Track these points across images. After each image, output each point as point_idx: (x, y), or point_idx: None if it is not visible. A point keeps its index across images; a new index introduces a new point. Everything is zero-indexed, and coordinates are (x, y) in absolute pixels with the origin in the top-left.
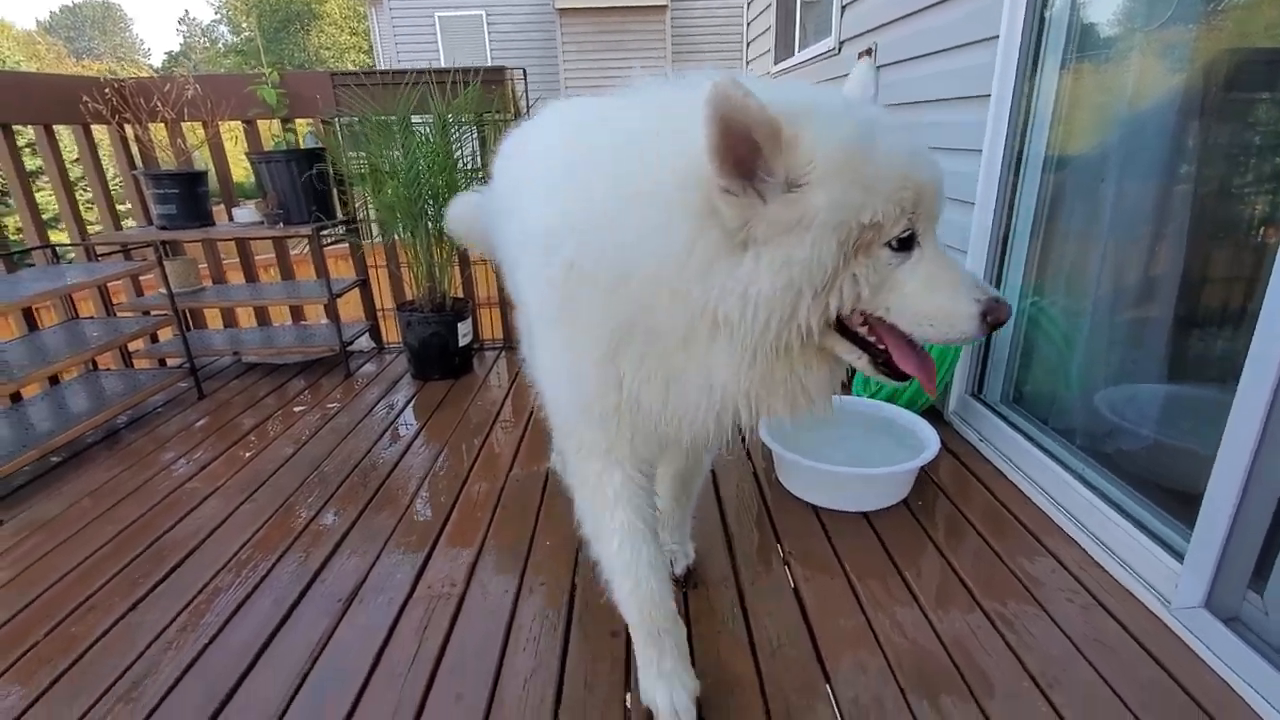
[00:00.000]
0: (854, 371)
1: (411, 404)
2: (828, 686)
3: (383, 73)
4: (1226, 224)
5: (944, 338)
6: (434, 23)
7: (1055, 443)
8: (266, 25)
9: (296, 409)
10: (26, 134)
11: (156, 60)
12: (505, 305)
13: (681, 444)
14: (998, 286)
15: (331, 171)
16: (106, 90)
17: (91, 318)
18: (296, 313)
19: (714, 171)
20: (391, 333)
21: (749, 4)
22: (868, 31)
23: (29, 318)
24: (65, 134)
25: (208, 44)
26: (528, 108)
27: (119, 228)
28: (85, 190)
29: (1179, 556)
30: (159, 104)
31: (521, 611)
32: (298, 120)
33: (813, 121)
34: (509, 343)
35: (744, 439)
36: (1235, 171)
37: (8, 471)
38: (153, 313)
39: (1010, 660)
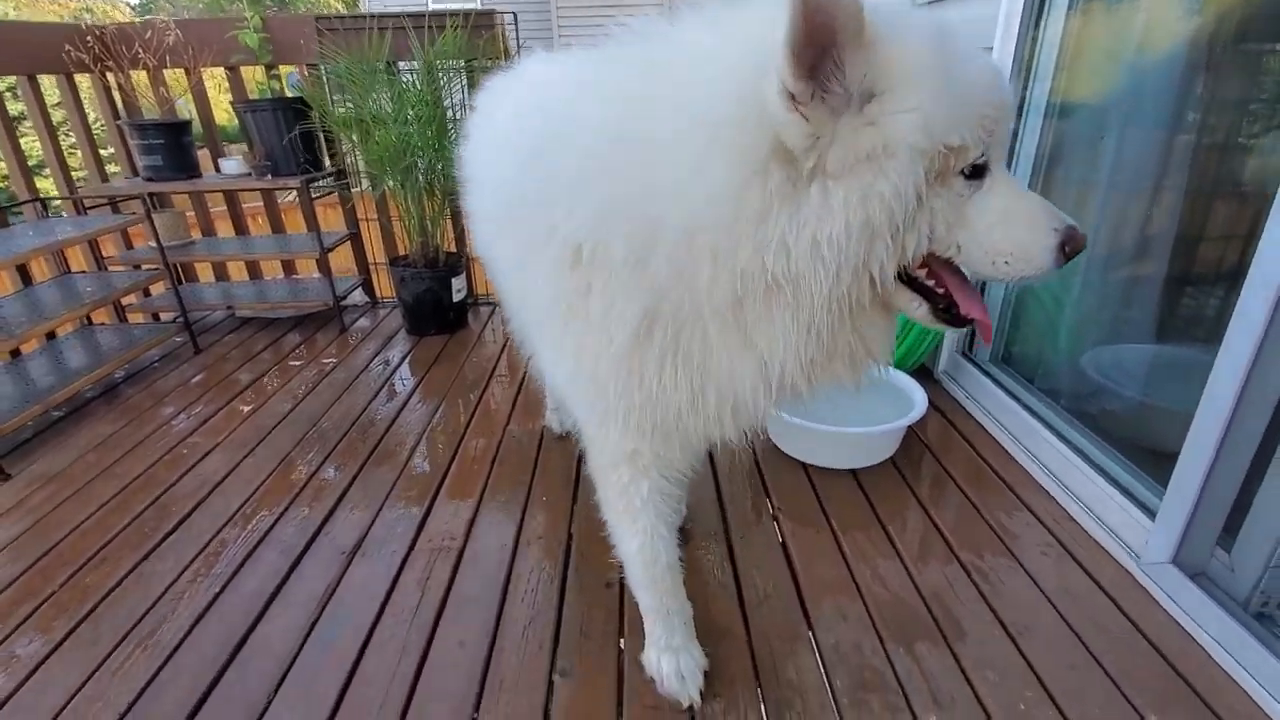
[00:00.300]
0: None
1: (407, 360)
2: (810, 633)
3: (369, 16)
4: (1225, 182)
5: (1018, 275)
6: None
7: (1040, 402)
8: None
9: (293, 364)
10: (5, 79)
11: None
12: None
13: (714, 443)
14: None
15: (319, 122)
16: (88, 38)
17: (84, 272)
18: (288, 265)
19: (788, 69)
20: (384, 286)
21: None
22: None
23: (23, 272)
24: (43, 81)
25: None
26: (518, 53)
27: (105, 179)
28: (68, 135)
29: (1151, 514)
30: (140, 51)
31: (519, 563)
32: (281, 66)
33: (891, 18)
34: None
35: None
36: (1239, 126)
37: (13, 427)
38: (143, 266)
39: (983, 609)
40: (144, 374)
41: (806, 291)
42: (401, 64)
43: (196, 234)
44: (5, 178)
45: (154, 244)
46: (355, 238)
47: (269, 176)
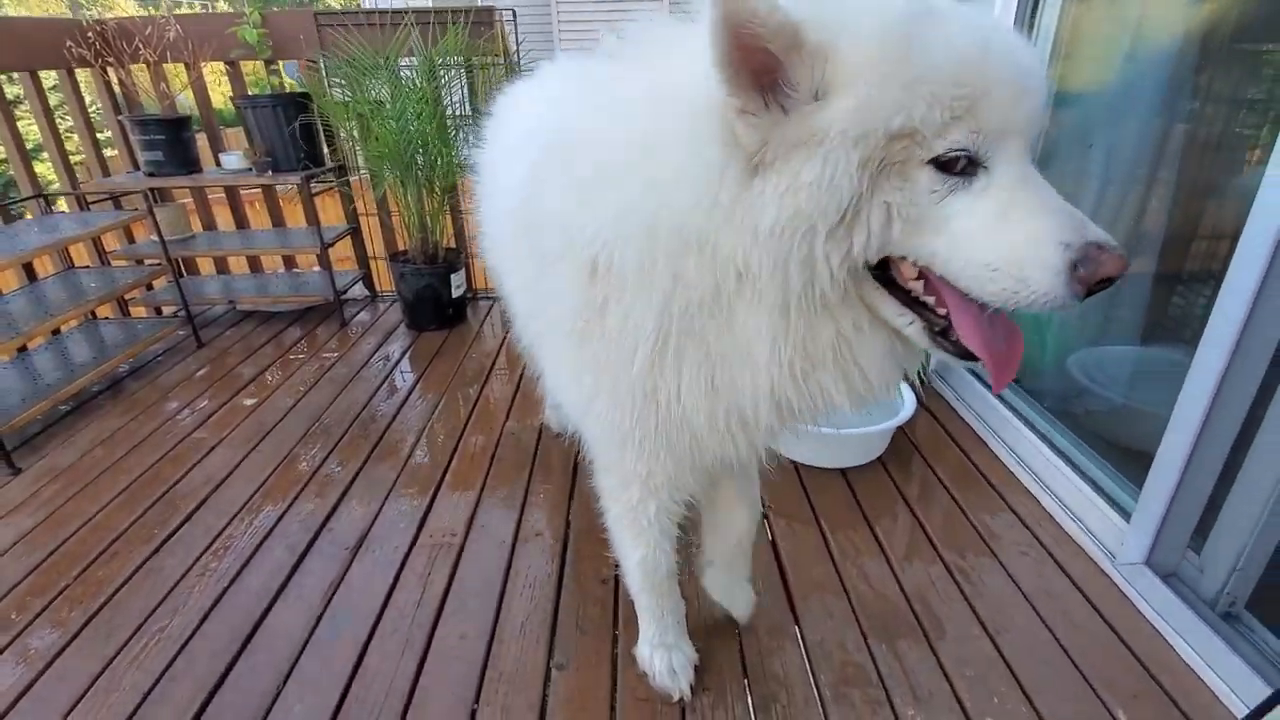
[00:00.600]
0: None
1: (407, 355)
2: (797, 629)
3: (368, 12)
4: (1214, 180)
5: (1013, 297)
6: None
7: (1025, 403)
8: None
9: (294, 358)
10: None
11: None
12: None
13: (728, 465)
14: None
15: (319, 118)
16: (89, 33)
17: (87, 267)
18: (289, 259)
19: (724, 88)
20: (384, 280)
21: None
22: None
23: (27, 267)
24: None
25: None
26: (518, 51)
27: (107, 174)
28: (64, 118)
29: (1127, 516)
30: (140, 46)
31: (518, 559)
32: (281, 61)
33: (848, 16)
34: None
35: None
36: (1229, 125)
37: (23, 422)
38: (146, 261)
39: (964, 608)
40: (148, 368)
41: (766, 285)
42: (402, 61)
43: (197, 227)
44: (3, 161)
45: (155, 238)
46: (355, 232)
47: (270, 172)
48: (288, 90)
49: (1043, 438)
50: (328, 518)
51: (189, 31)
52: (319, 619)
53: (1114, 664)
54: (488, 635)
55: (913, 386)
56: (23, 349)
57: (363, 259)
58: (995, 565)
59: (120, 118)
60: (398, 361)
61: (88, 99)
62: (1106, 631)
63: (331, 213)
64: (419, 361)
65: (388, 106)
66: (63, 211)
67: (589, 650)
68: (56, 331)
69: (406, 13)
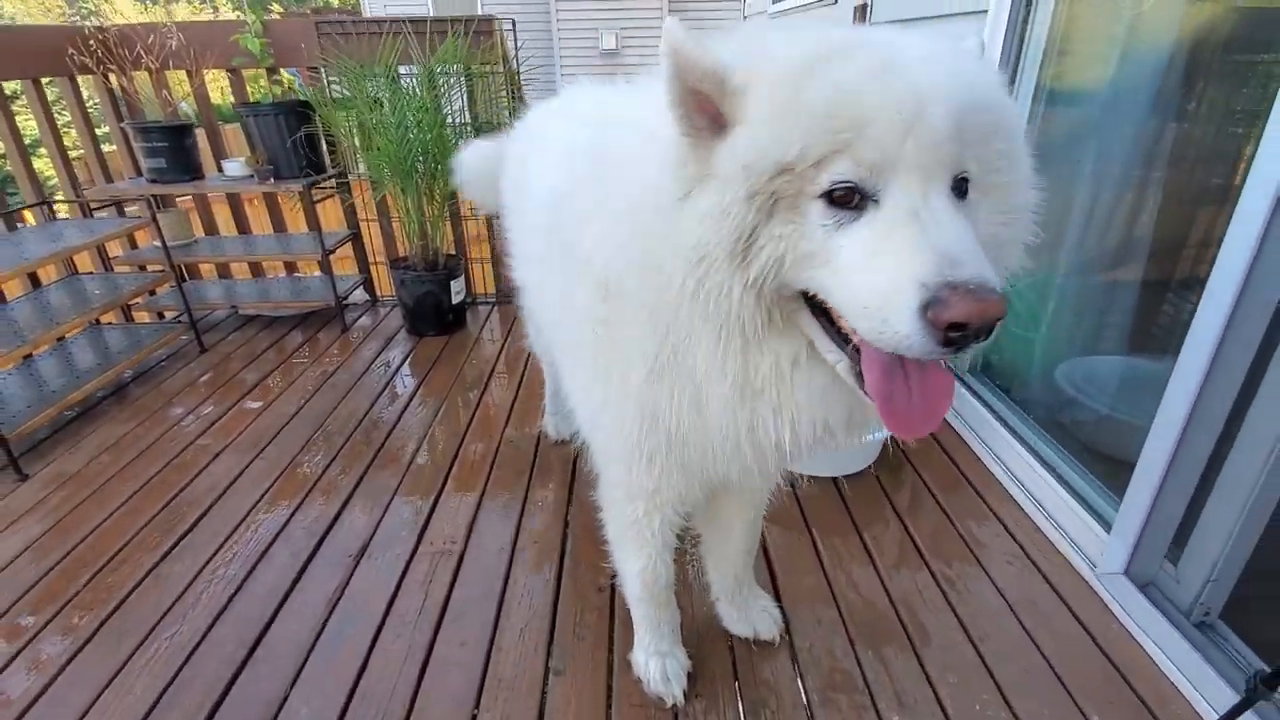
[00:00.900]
0: None
1: (408, 361)
2: (786, 636)
3: (369, 21)
4: (1201, 190)
5: (879, 338)
6: None
7: (1013, 413)
8: None
9: (296, 364)
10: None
11: None
12: (497, 261)
13: (727, 482)
14: None
15: (320, 126)
16: (91, 41)
17: (90, 273)
18: (290, 264)
19: (677, 126)
20: (384, 285)
21: None
22: None
23: (31, 274)
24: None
25: None
26: (517, 60)
27: (110, 180)
28: (61, 114)
29: (1108, 526)
30: (142, 54)
31: (516, 567)
32: (282, 70)
33: (761, 59)
34: (501, 296)
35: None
36: (1220, 133)
37: (30, 429)
38: (148, 267)
39: (949, 616)
40: (151, 373)
41: (699, 310)
42: (401, 68)
43: (199, 229)
44: (3, 156)
45: (158, 243)
46: (356, 237)
47: (271, 180)
48: (291, 97)
49: (1029, 448)
50: (331, 524)
51: (191, 39)
52: (324, 625)
53: (1092, 671)
54: (487, 642)
55: None
56: (28, 355)
57: (363, 264)
58: (980, 574)
59: (123, 125)
60: (398, 367)
61: (85, 93)
62: (1086, 639)
63: (332, 216)
64: (419, 367)
65: (388, 114)
66: (66, 218)
67: (586, 657)
68: (61, 337)
69: (406, 22)
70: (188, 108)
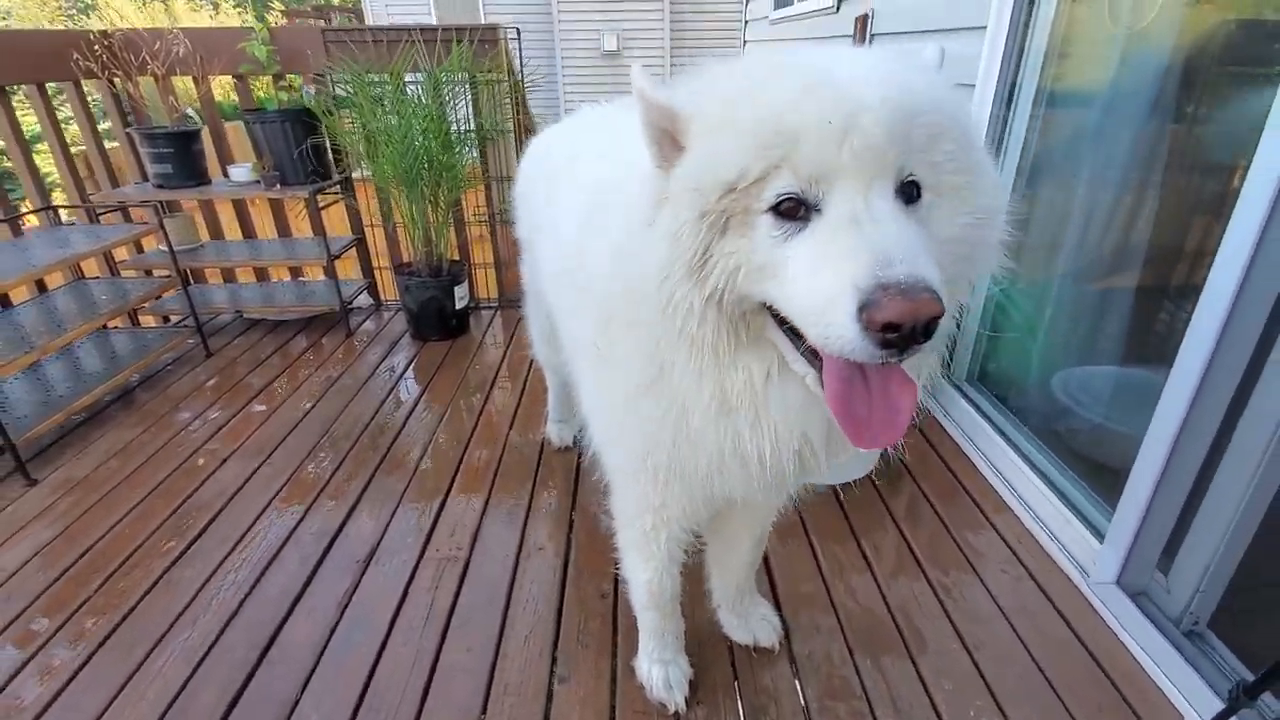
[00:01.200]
0: None
1: (412, 366)
2: (786, 643)
3: (375, 29)
4: (1198, 198)
5: (826, 344)
6: None
7: (1008, 422)
8: None
9: (302, 369)
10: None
11: None
12: (501, 266)
13: (731, 500)
14: None
15: (326, 136)
16: (96, 46)
17: (97, 278)
18: (295, 268)
19: (653, 160)
20: (388, 289)
21: None
22: None
23: (37, 279)
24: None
25: None
26: (521, 68)
27: (116, 185)
28: (66, 120)
29: (1101, 536)
30: (148, 59)
31: (521, 573)
32: (289, 76)
33: (705, 91)
34: (504, 301)
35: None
36: (1217, 148)
37: (38, 434)
38: (154, 272)
39: (944, 623)
40: (158, 377)
41: (672, 325)
42: (407, 77)
43: (204, 236)
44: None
45: (164, 248)
46: (361, 243)
47: (277, 186)
48: (293, 104)
49: (1024, 457)
50: (339, 530)
51: (197, 46)
52: (333, 630)
53: (1083, 678)
54: (493, 648)
55: None
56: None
57: (367, 268)
58: (976, 582)
59: (129, 130)
60: (403, 373)
61: (89, 96)
62: (1078, 647)
63: (336, 218)
64: (423, 372)
65: (393, 121)
66: (72, 221)
67: (590, 663)
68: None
69: (413, 30)
70: (194, 113)
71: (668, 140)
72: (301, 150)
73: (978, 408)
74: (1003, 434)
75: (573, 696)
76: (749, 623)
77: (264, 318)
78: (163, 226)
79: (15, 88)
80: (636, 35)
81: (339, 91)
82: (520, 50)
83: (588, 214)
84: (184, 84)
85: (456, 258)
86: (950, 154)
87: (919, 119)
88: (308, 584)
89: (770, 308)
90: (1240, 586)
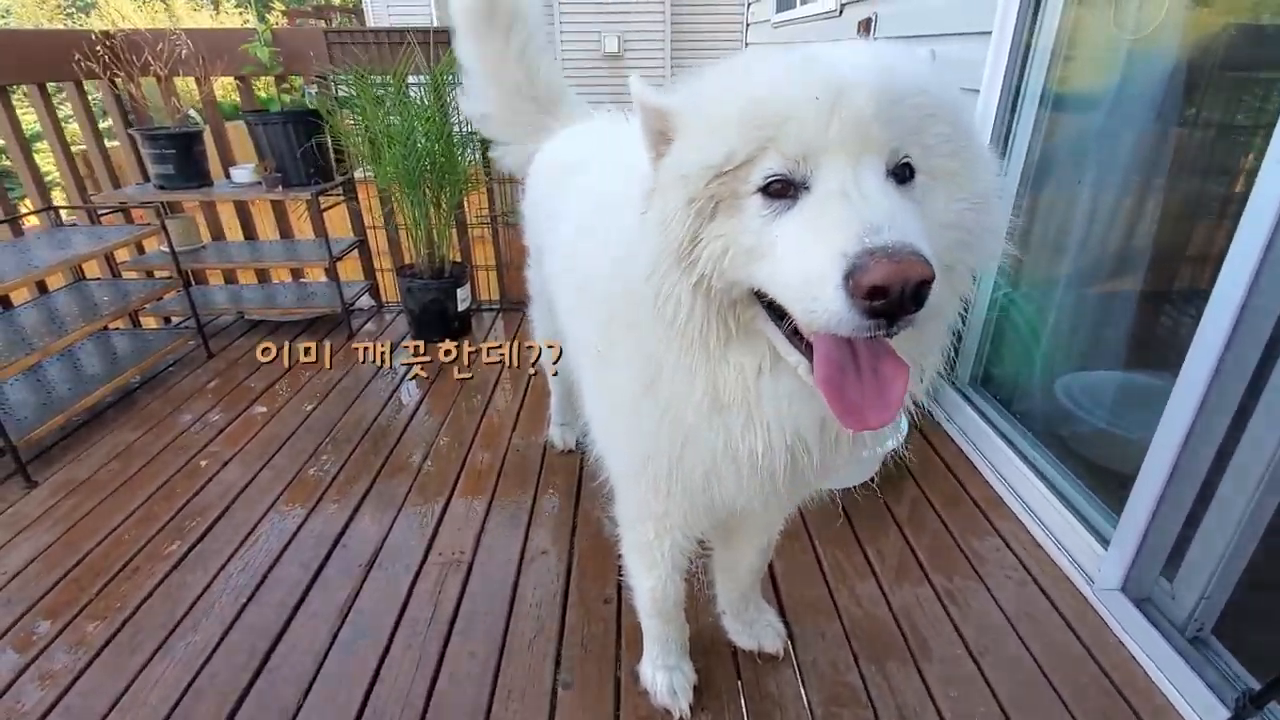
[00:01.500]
0: None
1: (414, 368)
2: (791, 650)
3: (377, 31)
4: (1206, 201)
5: (814, 319)
6: None
7: (1011, 427)
8: None
9: (303, 371)
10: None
11: None
12: (503, 268)
13: (732, 510)
14: None
15: (329, 137)
16: (98, 47)
17: (98, 279)
18: (296, 269)
19: (649, 160)
20: (390, 290)
21: None
22: None
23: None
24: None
25: None
26: None
27: (117, 186)
28: (66, 121)
29: (1106, 543)
30: (150, 60)
31: (524, 578)
32: (291, 78)
33: (690, 88)
34: (505, 303)
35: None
36: (1222, 153)
37: (39, 437)
38: (156, 273)
39: (949, 630)
40: (159, 378)
41: (663, 320)
42: (410, 78)
43: (206, 237)
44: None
45: (165, 249)
46: (362, 244)
47: (279, 187)
48: (295, 106)
49: (1028, 462)
50: (341, 534)
51: (199, 47)
52: (335, 635)
53: (1088, 685)
54: (497, 653)
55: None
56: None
57: (369, 270)
58: (980, 588)
59: (131, 131)
60: (405, 375)
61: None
62: (1083, 654)
63: (338, 220)
64: (425, 374)
65: (396, 123)
66: (74, 224)
67: (593, 669)
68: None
69: (415, 31)
70: (196, 114)
71: (662, 141)
72: (304, 151)
73: (981, 412)
74: (1006, 439)
75: (576, 702)
76: (754, 629)
77: (265, 319)
78: (164, 227)
79: (15, 87)
80: (637, 37)
81: (341, 92)
82: None
83: (590, 216)
84: (186, 84)
85: (458, 259)
86: (943, 136)
87: (908, 99)
88: (310, 588)
89: (760, 296)
90: (1245, 593)
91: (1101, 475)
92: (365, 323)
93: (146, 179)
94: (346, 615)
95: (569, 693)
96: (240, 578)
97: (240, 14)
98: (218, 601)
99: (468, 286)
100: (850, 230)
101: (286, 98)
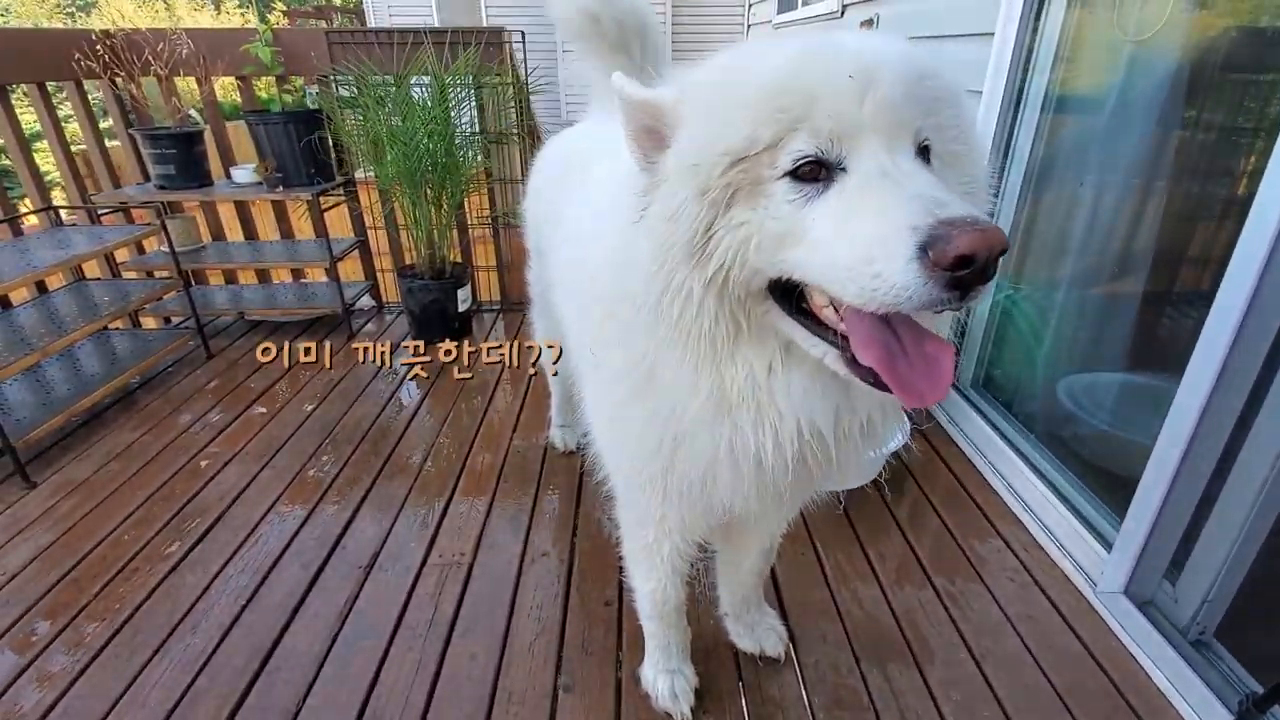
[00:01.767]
0: None
1: (414, 368)
2: (793, 652)
3: (379, 31)
4: (1207, 200)
5: (873, 297)
6: None
7: (1014, 429)
8: None
9: (303, 371)
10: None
11: None
12: (504, 269)
13: (730, 513)
14: None
15: (330, 137)
16: (98, 46)
17: (98, 279)
18: (297, 269)
19: (635, 158)
20: (390, 291)
21: None
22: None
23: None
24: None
25: None
26: (526, 71)
27: (117, 185)
28: (66, 119)
29: (1108, 545)
30: (151, 59)
31: (525, 580)
32: (293, 78)
33: (687, 81)
34: (506, 304)
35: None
36: (1224, 155)
37: (38, 438)
38: (156, 273)
39: (951, 632)
40: (159, 379)
41: (663, 322)
42: (412, 79)
43: (206, 237)
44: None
45: (165, 249)
46: (363, 245)
47: (280, 188)
48: (296, 107)
49: (1030, 464)
50: (341, 535)
51: (200, 47)
52: (335, 637)
53: (1091, 688)
54: (497, 656)
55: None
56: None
57: (370, 270)
58: (983, 590)
59: (131, 130)
60: (405, 375)
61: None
62: (1086, 657)
63: (338, 220)
64: (426, 375)
65: (399, 123)
66: (74, 224)
67: (594, 672)
68: None
69: (417, 32)
70: (197, 115)
71: (650, 137)
72: (305, 151)
73: (983, 414)
74: (1009, 441)
75: (577, 705)
76: (755, 631)
77: (265, 319)
78: (165, 228)
79: (15, 86)
80: None
81: (343, 93)
82: (525, 53)
83: (587, 215)
84: (187, 84)
85: (459, 260)
86: (953, 119)
87: (926, 81)
88: (309, 590)
89: (773, 290)
90: (1248, 597)
91: (1104, 477)
92: (365, 323)
93: (147, 179)
94: (346, 617)
95: (570, 696)
96: (240, 579)
97: (242, 14)
98: (217, 603)
99: (468, 287)
100: (914, 205)
101: (288, 98)
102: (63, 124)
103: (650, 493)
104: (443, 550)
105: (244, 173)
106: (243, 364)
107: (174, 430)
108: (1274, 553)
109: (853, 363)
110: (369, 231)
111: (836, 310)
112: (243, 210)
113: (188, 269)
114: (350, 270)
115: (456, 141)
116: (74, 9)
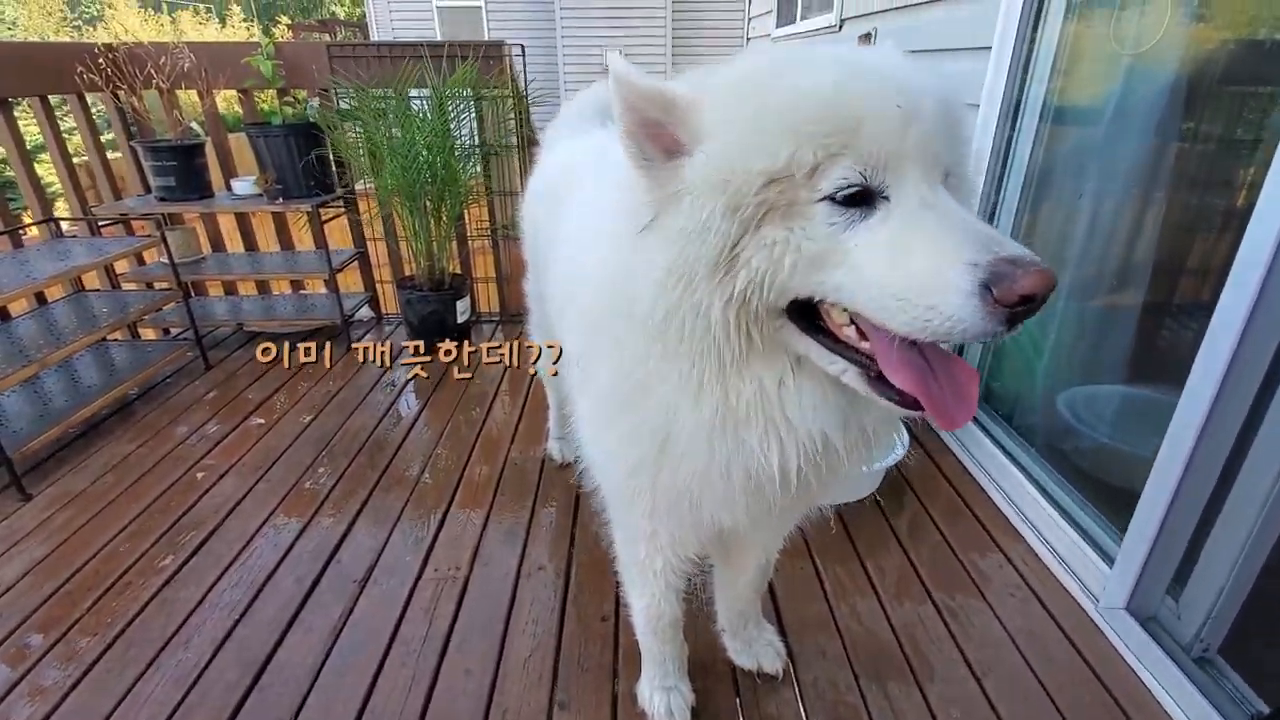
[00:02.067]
0: None
1: (413, 380)
2: (791, 669)
3: (379, 45)
4: (1205, 222)
5: (925, 327)
6: (432, 11)
7: (1014, 443)
8: None
9: (301, 382)
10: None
11: None
12: (503, 280)
13: (722, 530)
14: None
15: (330, 150)
16: (101, 60)
17: (97, 290)
18: (296, 281)
19: (630, 159)
20: (389, 302)
21: None
22: (868, 14)
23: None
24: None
25: None
26: (525, 84)
27: (118, 197)
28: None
29: (1110, 560)
30: (153, 73)
31: (521, 594)
32: (294, 91)
33: (707, 79)
34: (505, 315)
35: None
36: (1221, 168)
37: (35, 449)
38: (156, 285)
39: (951, 648)
40: (156, 390)
41: (671, 337)
42: (411, 91)
43: (206, 248)
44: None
45: (165, 260)
46: (363, 256)
47: (280, 200)
48: (296, 120)
49: (1031, 478)
50: (336, 549)
51: (202, 60)
52: (329, 652)
53: (1094, 705)
54: (492, 671)
55: (906, 423)
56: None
57: (369, 283)
58: (983, 606)
59: (133, 143)
60: (403, 387)
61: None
62: (1086, 673)
63: (338, 231)
64: (424, 387)
65: (398, 136)
66: (74, 235)
67: (590, 688)
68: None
69: (417, 46)
70: (198, 127)
71: (652, 133)
72: (305, 164)
73: (983, 427)
74: (1009, 454)
75: None
76: (753, 647)
77: (264, 330)
78: (164, 239)
79: (18, 100)
80: (639, 52)
81: (344, 105)
82: (525, 66)
83: (582, 226)
84: (188, 97)
85: (458, 271)
86: (965, 141)
87: (951, 110)
88: (304, 604)
89: (790, 311)
90: (1253, 613)
91: (1105, 491)
92: (364, 334)
93: (148, 190)
94: (340, 631)
95: (565, 712)
96: (234, 593)
97: (247, 28)
98: (210, 617)
99: (467, 299)
100: (969, 240)
101: (289, 110)
102: (65, 136)
103: (639, 507)
104: (439, 563)
105: (244, 184)
106: (241, 375)
107: (171, 442)
108: (1279, 568)
109: (877, 381)
110: (369, 243)
111: (858, 329)
112: (243, 221)
113: (187, 280)
114: (350, 281)
115: (456, 154)
116: (80, 23)
